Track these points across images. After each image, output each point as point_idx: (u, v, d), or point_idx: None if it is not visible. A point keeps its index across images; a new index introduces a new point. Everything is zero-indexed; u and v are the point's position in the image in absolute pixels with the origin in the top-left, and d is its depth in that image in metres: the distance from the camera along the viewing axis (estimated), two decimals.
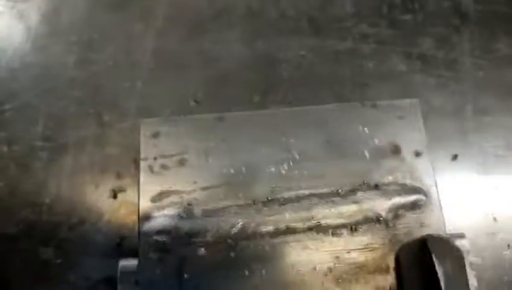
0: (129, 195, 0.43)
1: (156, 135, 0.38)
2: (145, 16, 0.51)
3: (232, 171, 0.37)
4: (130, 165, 0.44)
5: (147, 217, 0.36)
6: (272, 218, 0.36)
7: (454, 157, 0.45)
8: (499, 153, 0.45)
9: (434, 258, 0.31)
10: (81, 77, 0.48)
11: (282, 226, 0.36)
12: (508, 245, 0.42)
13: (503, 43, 0.49)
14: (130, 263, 0.35)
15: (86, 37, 0.50)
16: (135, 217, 0.42)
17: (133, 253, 0.35)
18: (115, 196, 0.43)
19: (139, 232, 0.35)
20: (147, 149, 0.38)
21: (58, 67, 0.49)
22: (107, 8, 0.51)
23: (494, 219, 0.43)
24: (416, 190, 0.37)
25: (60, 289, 0.41)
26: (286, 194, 0.37)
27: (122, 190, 0.43)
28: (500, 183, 0.44)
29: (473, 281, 0.34)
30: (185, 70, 0.48)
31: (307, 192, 0.37)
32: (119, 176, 0.44)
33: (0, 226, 0.42)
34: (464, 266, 0.32)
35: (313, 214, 0.36)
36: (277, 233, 0.35)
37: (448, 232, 0.35)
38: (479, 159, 0.45)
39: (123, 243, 0.42)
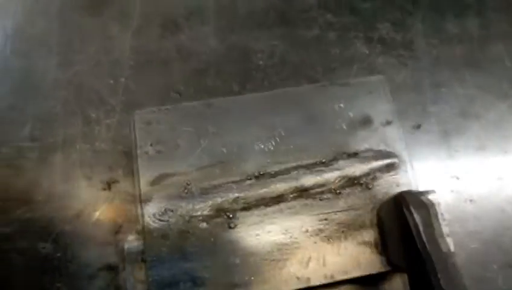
0: (123, 185, 0.45)
1: (149, 123, 0.40)
2: (121, 16, 0.53)
3: (224, 150, 0.40)
4: (121, 157, 0.46)
5: (148, 200, 0.38)
6: (264, 190, 0.39)
7: (418, 126, 0.50)
8: (456, 120, 0.51)
9: (406, 209, 0.35)
10: (65, 78, 0.49)
11: (274, 196, 0.39)
12: (470, 200, 0.47)
13: (452, 23, 0.55)
14: (134, 244, 0.37)
15: (66, 39, 0.51)
16: (131, 206, 0.44)
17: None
18: (109, 188, 0.45)
19: (142, 215, 0.38)
20: (142, 137, 0.40)
21: (40, 70, 0.50)
22: (83, 11, 0.53)
23: (457, 178, 0.48)
24: (389, 155, 0.41)
25: (62, 281, 0.42)
26: (276, 168, 0.40)
27: (115, 181, 0.45)
28: (459, 146, 0.49)
29: (444, 229, 0.39)
30: (165, 66, 0.51)
31: (294, 164, 0.40)
32: (111, 168, 0.46)
33: None
34: (436, 215, 0.37)
35: (301, 183, 0.39)
36: (270, 202, 0.39)
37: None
38: (439, 127, 0.50)
39: (120, 230, 0.43)
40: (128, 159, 0.46)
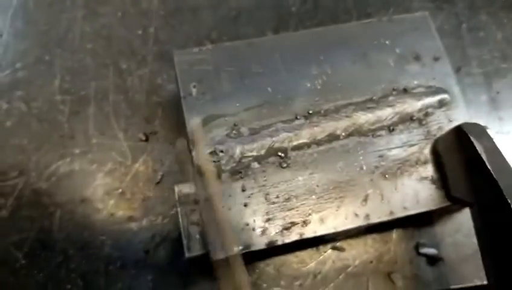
0: (161, 136, 0.43)
1: (191, 64, 0.39)
2: None
3: (270, 90, 0.38)
4: (156, 108, 0.45)
5: (197, 141, 0.36)
6: (315, 129, 0.38)
7: (458, 69, 0.48)
8: (496, 62, 0.49)
9: (472, 138, 0.34)
10: (92, 30, 0.48)
11: (325, 134, 0.37)
12: None
13: None
14: (184, 186, 0.36)
15: None
16: (171, 156, 0.43)
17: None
18: (146, 139, 0.43)
19: (192, 157, 0.36)
20: (184, 78, 0.38)
21: (65, 23, 0.48)
22: None
23: (500, 119, 0.47)
24: (440, 90, 0.40)
25: (105, 233, 0.40)
26: (325, 106, 0.38)
27: (153, 132, 0.44)
28: (501, 88, 0.48)
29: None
30: (196, 14, 0.49)
31: (343, 102, 0.39)
32: (147, 120, 0.44)
33: (33, 182, 0.41)
34: (497, 146, 0.36)
35: (352, 121, 0.38)
36: (322, 141, 0.37)
37: None
38: (479, 70, 0.49)
39: (162, 181, 0.42)
40: (164, 110, 0.45)
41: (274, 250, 0.36)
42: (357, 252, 0.41)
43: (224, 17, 0.49)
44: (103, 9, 0.49)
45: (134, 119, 0.44)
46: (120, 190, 0.42)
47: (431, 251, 0.41)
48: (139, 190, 0.42)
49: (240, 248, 0.34)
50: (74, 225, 0.41)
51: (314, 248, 0.41)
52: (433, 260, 0.41)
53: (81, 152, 0.43)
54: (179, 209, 0.35)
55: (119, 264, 0.40)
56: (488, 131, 0.46)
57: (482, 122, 0.46)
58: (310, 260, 0.41)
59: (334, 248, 0.41)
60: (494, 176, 0.32)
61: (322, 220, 0.35)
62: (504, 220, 0.31)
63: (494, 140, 0.46)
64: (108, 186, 0.42)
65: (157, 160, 0.43)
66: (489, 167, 0.32)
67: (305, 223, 0.35)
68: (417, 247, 0.41)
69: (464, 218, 0.41)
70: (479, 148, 0.33)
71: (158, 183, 0.42)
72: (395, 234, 0.42)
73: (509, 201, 0.31)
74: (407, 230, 0.42)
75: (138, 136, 0.43)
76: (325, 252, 0.41)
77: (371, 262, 0.41)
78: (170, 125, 0.43)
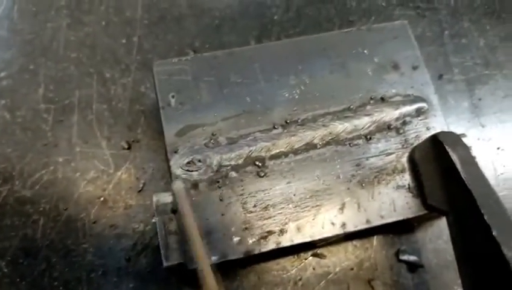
0: (143, 144, 0.44)
1: (169, 74, 0.39)
2: None
3: (248, 100, 0.39)
4: (139, 116, 0.45)
5: (175, 151, 0.37)
6: (293, 138, 0.38)
7: (440, 76, 0.49)
8: (478, 69, 0.50)
9: (446, 147, 0.34)
10: (76, 39, 0.48)
11: (303, 144, 0.38)
12: (498, 148, 0.46)
13: None
14: (163, 195, 0.36)
15: (75, 0, 0.50)
16: (153, 164, 0.43)
17: None
18: (129, 147, 0.44)
19: (169, 166, 0.37)
20: (163, 88, 0.39)
21: (51, 32, 0.48)
22: None
23: (482, 126, 0.47)
24: (418, 99, 0.40)
25: (88, 241, 0.41)
26: (303, 116, 0.39)
27: (135, 140, 0.44)
28: (483, 95, 0.48)
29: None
30: (179, 23, 0.49)
31: (321, 111, 0.39)
32: (130, 128, 0.45)
33: (16, 190, 0.42)
34: (472, 156, 0.36)
35: (330, 130, 0.38)
36: (300, 150, 0.38)
37: None
38: (461, 77, 0.49)
39: (144, 189, 0.42)
40: (146, 118, 0.45)
41: (255, 257, 0.36)
42: (338, 259, 0.41)
43: (207, 26, 0.49)
44: (87, 18, 0.49)
45: (117, 128, 0.45)
46: (102, 198, 0.42)
47: (411, 257, 0.42)
48: (121, 198, 0.42)
49: (217, 257, 0.34)
50: (57, 233, 0.41)
51: (295, 255, 0.41)
52: (413, 267, 0.41)
53: (64, 160, 0.43)
54: (156, 218, 0.35)
55: (101, 272, 0.40)
56: (469, 137, 0.46)
57: (463, 129, 0.47)
58: (291, 267, 0.41)
59: (314, 255, 0.41)
60: (468, 186, 0.32)
61: (298, 229, 0.35)
62: (478, 229, 0.32)
63: (475, 146, 0.46)
64: (91, 195, 0.42)
65: (140, 168, 0.43)
66: (463, 176, 0.32)
67: (282, 232, 0.35)
68: (398, 254, 0.42)
69: (445, 225, 0.41)
70: (454, 157, 0.34)
71: (140, 191, 0.42)
72: (375, 241, 0.42)
73: (482, 211, 0.31)
74: (388, 237, 0.42)
75: (121, 145, 0.44)
76: (306, 259, 0.41)
77: (352, 269, 0.41)
78: (152, 133, 0.44)
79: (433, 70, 0.49)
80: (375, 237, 0.42)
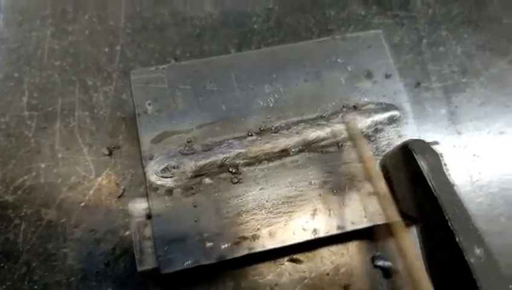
0: (124, 151, 0.45)
1: (146, 83, 0.40)
2: None
3: (223, 107, 0.40)
4: (120, 123, 0.46)
5: (150, 157, 0.38)
6: (266, 145, 0.39)
7: (417, 84, 0.50)
8: (456, 77, 0.51)
9: (415, 155, 0.35)
10: (60, 48, 0.49)
11: (276, 151, 0.39)
12: (474, 154, 0.47)
13: None
14: (139, 202, 0.37)
15: (59, 9, 0.51)
16: (133, 170, 0.44)
17: None
18: (110, 154, 0.45)
19: (144, 172, 0.37)
20: (140, 96, 0.40)
21: (35, 40, 0.49)
22: None
23: (459, 133, 0.48)
24: (390, 107, 0.41)
25: (68, 246, 0.42)
26: (277, 123, 0.40)
27: (116, 146, 0.45)
28: (460, 102, 0.49)
29: (450, 178, 0.39)
30: (161, 31, 0.50)
31: (295, 119, 0.40)
32: (111, 134, 0.45)
33: None
34: (440, 163, 0.37)
35: (303, 137, 0.39)
36: (273, 157, 0.39)
37: None
38: (439, 84, 0.50)
39: (124, 194, 0.43)
40: (127, 125, 0.46)
41: (231, 262, 0.37)
42: (314, 264, 0.42)
43: (188, 34, 0.50)
44: (71, 27, 0.50)
45: (98, 134, 0.46)
46: (83, 204, 0.43)
47: (386, 263, 0.42)
48: (101, 203, 0.43)
49: (190, 262, 0.35)
50: (38, 238, 0.42)
51: (272, 260, 0.42)
52: (388, 273, 0.42)
53: (46, 166, 0.44)
54: (131, 224, 0.36)
55: (80, 276, 0.41)
56: (446, 145, 0.47)
57: (440, 136, 0.48)
58: (267, 272, 0.42)
59: (291, 260, 0.42)
60: (434, 193, 0.33)
61: (271, 235, 0.36)
62: (443, 236, 0.33)
63: (452, 154, 0.47)
64: (72, 200, 0.43)
65: (120, 174, 0.44)
66: (430, 183, 0.33)
67: (254, 237, 0.36)
68: (373, 259, 0.42)
69: None
70: (422, 164, 0.34)
71: (120, 197, 0.43)
72: (351, 247, 0.43)
73: (446, 217, 0.32)
74: (364, 243, 0.43)
75: (102, 151, 0.45)
76: (282, 264, 0.42)
77: (328, 274, 0.42)
78: (133, 140, 0.45)
79: (410, 78, 0.50)
80: (351, 242, 0.43)
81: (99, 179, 0.44)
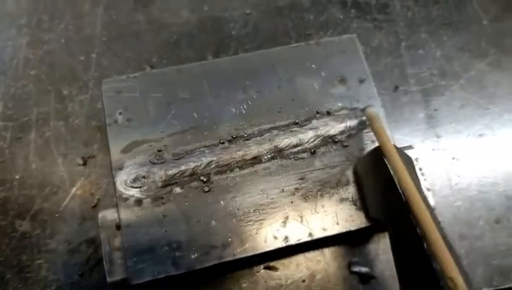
0: (99, 160, 0.44)
1: (118, 92, 0.40)
2: None
3: (195, 115, 0.39)
4: (95, 133, 0.46)
5: (120, 167, 0.37)
6: (238, 152, 0.39)
7: (396, 88, 0.49)
8: (435, 80, 0.50)
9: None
10: (36, 57, 0.49)
11: (248, 158, 0.38)
12: (452, 158, 0.47)
13: None
14: (108, 212, 0.37)
15: (35, 19, 0.51)
16: (107, 180, 0.44)
17: None
18: (84, 163, 0.44)
19: (114, 182, 0.37)
20: (111, 105, 0.39)
21: (11, 50, 0.49)
22: None
23: (438, 136, 0.48)
24: (364, 112, 0.41)
25: (43, 257, 0.41)
26: (249, 130, 0.39)
27: (91, 156, 0.45)
28: (439, 105, 0.49)
29: (424, 183, 0.39)
30: (137, 39, 0.50)
31: (267, 126, 0.40)
32: (86, 144, 0.45)
33: None
34: (414, 169, 0.37)
35: (275, 144, 0.39)
36: (244, 165, 0.38)
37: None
38: (418, 88, 0.50)
39: (98, 204, 0.43)
40: (102, 134, 0.46)
41: (205, 271, 0.37)
42: (290, 271, 0.42)
43: (165, 41, 0.50)
44: (47, 36, 0.50)
45: (73, 144, 0.45)
46: (57, 215, 0.43)
47: (363, 269, 0.42)
48: (75, 214, 0.43)
49: (159, 272, 0.35)
50: (12, 249, 0.42)
51: (248, 268, 0.42)
52: (365, 278, 0.42)
53: (20, 177, 0.44)
54: (101, 235, 0.35)
55: (54, 287, 0.41)
56: (424, 148, 0.47)
57: (419, 140, 0.48)
58: (243, 280, 0.41)
59: (267, 268, 0.42)
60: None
61: (241, 243, 0.36)
62: (412, 242, 0.32)
63: (430, 157, 0.47)
64: (46, 211, 0.43)
65: (94, 184, 0.44)
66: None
67: (224, 246, 0.36)
68: (350, 265, 0.42)
69: None
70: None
71: (94, 207, 0.43)
72: (328, 253, 0.42)
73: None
74: (340, 248, 0.43)
75: (76, 161, 0.44)
76: (258, 272, 0.42)
77: (304, 281, 0.41)
78: (107, 149, 0.44)
79: (389, 82, 0.50)
80: (327, 248, 0.43)
81: (74, 189, 0.44)
